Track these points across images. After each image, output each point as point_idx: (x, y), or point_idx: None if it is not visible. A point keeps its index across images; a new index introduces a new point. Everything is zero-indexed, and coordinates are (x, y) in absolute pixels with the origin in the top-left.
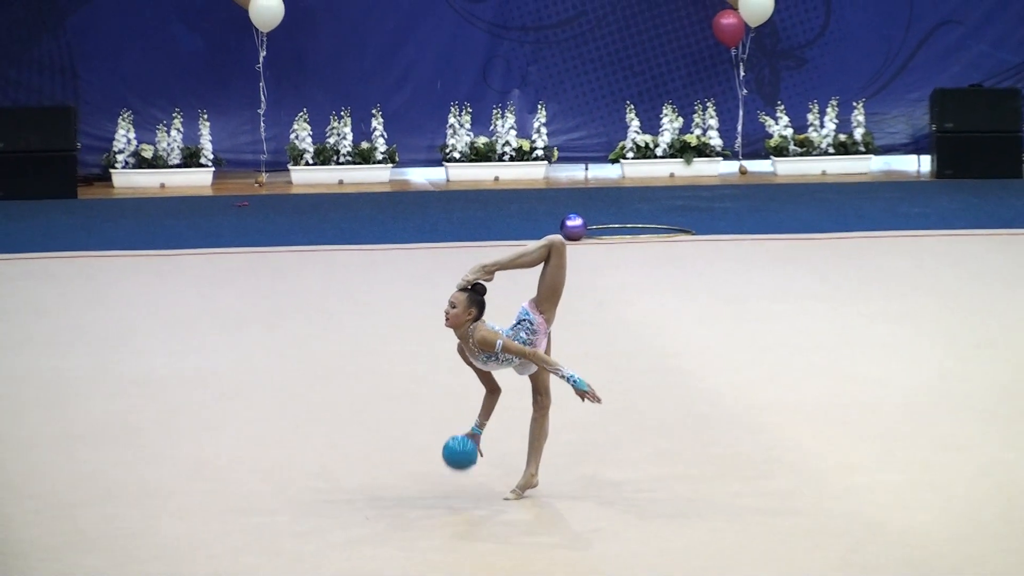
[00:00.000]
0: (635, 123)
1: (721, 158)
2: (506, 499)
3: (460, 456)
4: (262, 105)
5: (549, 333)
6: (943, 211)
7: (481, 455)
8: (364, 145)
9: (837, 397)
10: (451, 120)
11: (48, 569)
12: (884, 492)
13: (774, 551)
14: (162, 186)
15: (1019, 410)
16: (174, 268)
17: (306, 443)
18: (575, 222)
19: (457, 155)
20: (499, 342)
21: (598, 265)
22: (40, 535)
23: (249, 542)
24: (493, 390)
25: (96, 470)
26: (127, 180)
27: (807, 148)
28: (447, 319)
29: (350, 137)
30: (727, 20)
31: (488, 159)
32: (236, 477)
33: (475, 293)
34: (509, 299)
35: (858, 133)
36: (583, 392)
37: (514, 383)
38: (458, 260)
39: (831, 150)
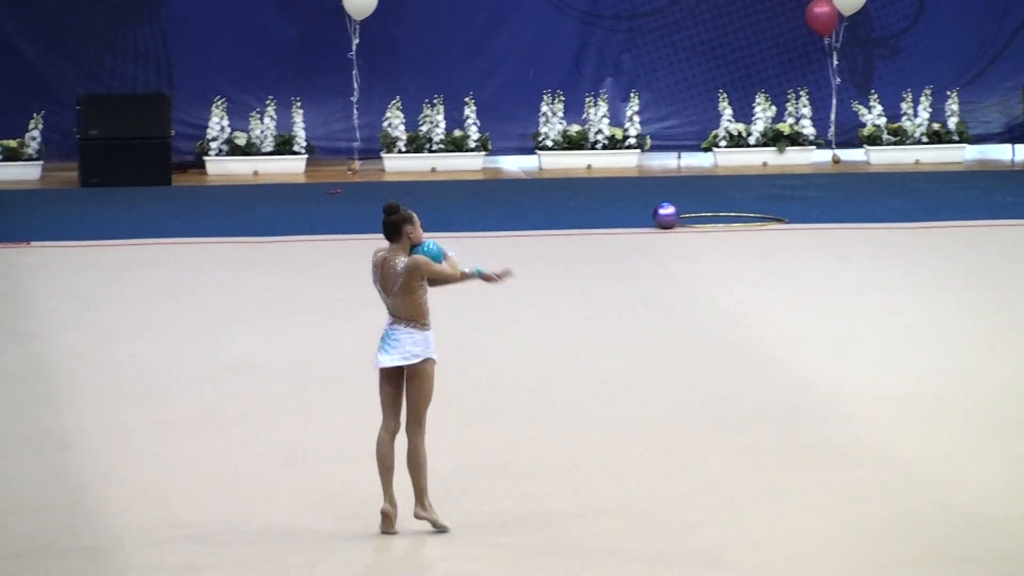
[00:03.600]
0: (728, 111)
1: (814, 147)
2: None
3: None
4: (355, 93)
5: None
6: None
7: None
8: (457, 133)
9: (929, 387)
10: (544, 108)
11: (144, 554)
12: (976, 483)
13: (865, 541)
14: (255, 173)
15: None
16: (267, 255)
17: (400, 431)
18: (667, 211)
19: (550, 143)
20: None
21: (691, 254)
22: (135, 521)
23: (342, 528)
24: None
25: (190, 457)
26: (220, 167)
27: (900, 137)
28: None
29: (443, 125)
30: (820, 9)
31: (581, 147)
32: (328, 465)
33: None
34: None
35: (952, 122)
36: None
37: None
38: (550, 248)
39: (924, 139)
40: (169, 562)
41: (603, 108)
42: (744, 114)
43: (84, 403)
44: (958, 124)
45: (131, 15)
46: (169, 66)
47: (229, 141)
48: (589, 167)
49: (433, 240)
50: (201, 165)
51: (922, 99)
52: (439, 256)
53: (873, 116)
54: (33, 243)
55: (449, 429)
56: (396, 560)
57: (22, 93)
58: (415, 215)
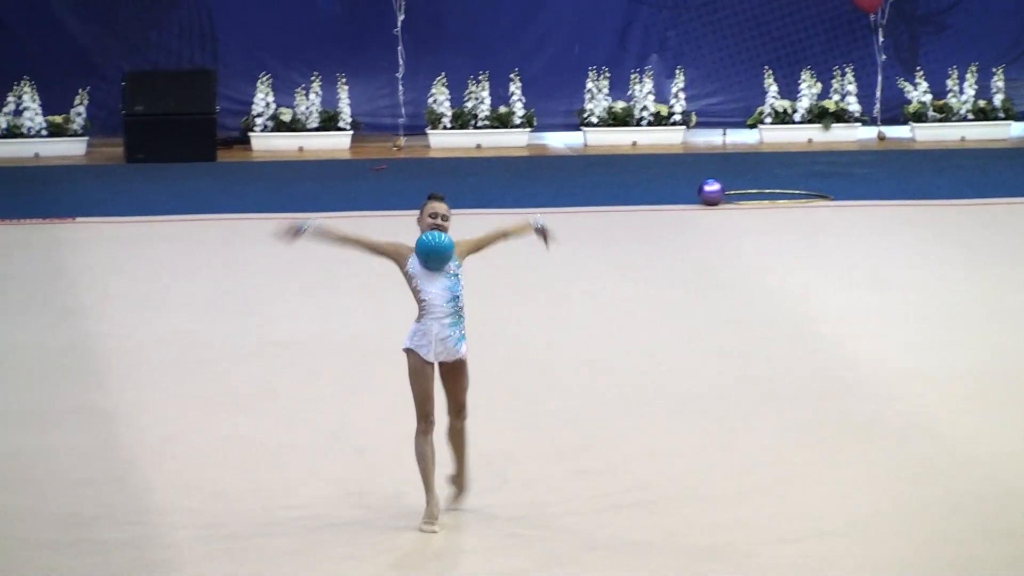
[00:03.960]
0: (773, 88)
1: (860, 124)
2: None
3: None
4: (400, 69)
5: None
6: None
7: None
8: (502, 109)
9: (975, 365)
10: (589, 85)
11: (190, 528)
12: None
13: (912, 517)
14: (300, 149)
15: None
16: None
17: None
18: (713, 187)
19: (595, 120)
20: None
21: (736, 231)
22: (182, 496)
23: (388, 506)
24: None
25: (235, 433)
26: (265, 143)
27: (946, 114)
28: (447, 229)
29: (488, 101)
30: None
31: (626, 124)
32: (374, 442)
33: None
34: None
35: (998, 99)
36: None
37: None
38: (595, 224)
39: (970, 116)
40: (213, 549)
41: (648, 85)
42: (789, 91)
43: (129, 378)
44: (1004, 101)
45: None
46: (214, 42)
47: (274, 117)
48: (634, 144)
49: (432, 233)
50: (246, 141)
51: (968, 76)
52: (426, 250)
53: (919, 93)
54: (78, 219)
55: (493, 408)
56: (435, 550)
57: (67, 69)
58: (427, 204)
